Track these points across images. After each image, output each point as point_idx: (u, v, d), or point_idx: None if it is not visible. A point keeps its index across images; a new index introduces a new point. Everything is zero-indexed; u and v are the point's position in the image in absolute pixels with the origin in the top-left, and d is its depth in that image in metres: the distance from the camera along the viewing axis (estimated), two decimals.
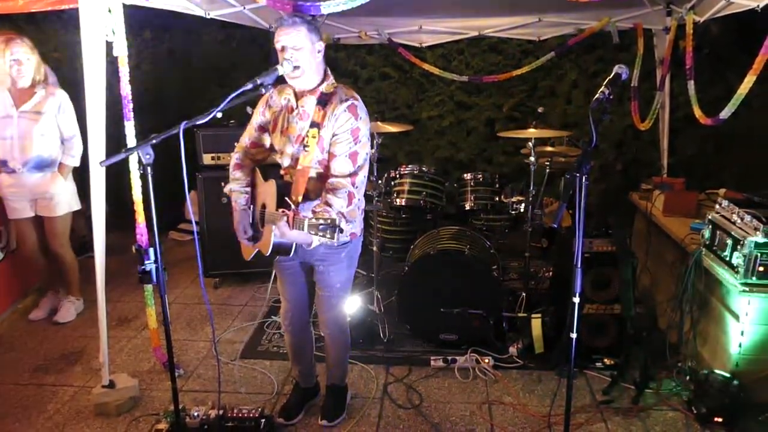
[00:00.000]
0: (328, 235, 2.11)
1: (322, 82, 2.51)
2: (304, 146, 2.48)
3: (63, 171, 3.84)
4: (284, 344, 3.64)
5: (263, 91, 2.33)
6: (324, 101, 2.48)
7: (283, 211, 2.30)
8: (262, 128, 2.67)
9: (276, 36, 2.40)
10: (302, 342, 2.98)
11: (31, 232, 3.88)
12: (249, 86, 2.28)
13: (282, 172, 2.66)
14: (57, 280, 4.18)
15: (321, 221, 2.13)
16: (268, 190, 2.56)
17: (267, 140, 2.70)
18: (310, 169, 2.49)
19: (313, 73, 2.46)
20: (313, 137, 2.46)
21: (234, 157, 2.74)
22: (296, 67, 2.37)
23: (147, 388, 3.27)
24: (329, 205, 2.39)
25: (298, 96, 2.52)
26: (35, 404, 3.14)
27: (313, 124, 2.47)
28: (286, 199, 2.41)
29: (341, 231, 2.14)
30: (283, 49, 2.38)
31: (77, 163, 3.88)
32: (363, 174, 2.50)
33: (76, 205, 3.99)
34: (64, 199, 3.89)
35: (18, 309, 4.30)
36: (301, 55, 2.38)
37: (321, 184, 2.52)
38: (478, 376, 3.37)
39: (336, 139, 2.44)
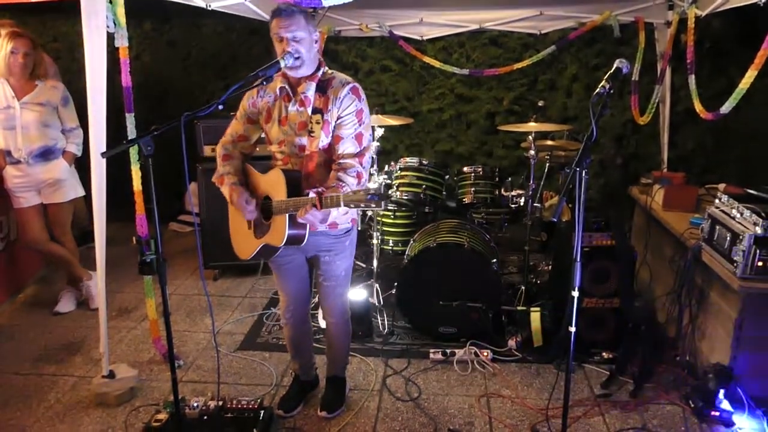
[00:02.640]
0: (375, 202, 2.07)
1: (318, 68, 2.51)
2: (310, 132, 2.48)
3: (68, 158, 3.88)
4: (283, 337, 3.69)
5: (264, 83, 2.33)
6: (323, 87, 2.49)
7: (309, 198, 2.23)
8: (251, 121, 2.65)
9: (273, 26, 2.39)
10: (302, 335, 2.99)
11: (35, 220, 3.89)
12: (250, 78, 2.28)
13: (279, 162, 2.62)
14: (62, 267, 4.18)
15: (362, 193, 2.08)
16: (273, 180, 2.51)
17: (254, 133, 2.69)
18: (317, 155, 2.50)
19: (311, 61, 2.46)
20: (318, 123, 2.46)
21: (221, 149, 2.70)
22: (297, 58, 2.37)
23: (147, 378, 3.29)
24: (342, 182, 2.39)
25: (294, 84, 2.51)
26: (36, 393, 3.15)
27: (316, 111, 2.48)
28: (304, 192, 2.36)
29: (389, 198, 2.10)
30: (282, 40, 2.37)
31: (80, 153, 3.91)
32: (369, 154, 2.54)
33: (81, 191, 4.02)
34: (69, 186, 3.93)
35: (18, 299, 4.31)
36: (301, 46, 2.38)
37: (325, 169, 2.53)
38: (476, 369, 3.39)
39: (341, 122, 2.47)
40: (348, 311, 2.94)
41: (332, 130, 2.48)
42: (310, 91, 2.48)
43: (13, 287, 4.33)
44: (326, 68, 2.55)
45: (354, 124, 2.47)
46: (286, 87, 2.51)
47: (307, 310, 2.94)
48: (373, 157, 3.93)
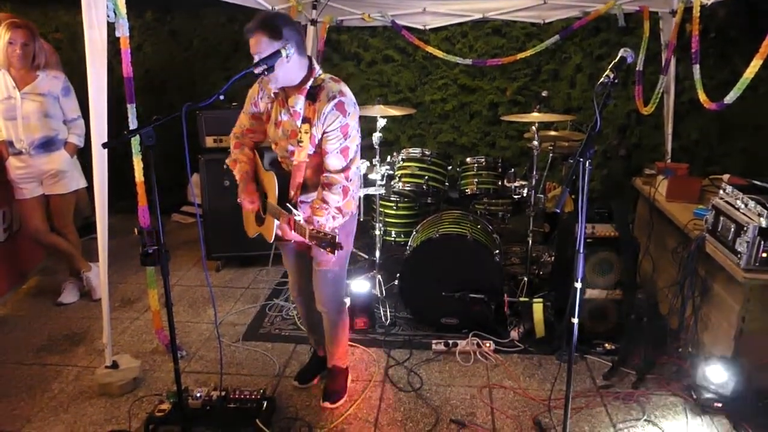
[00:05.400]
0: (329, 250, 2.21)
1: (308, 77, 2.48)
2: (299, 142, 2.50)
3: (69, 149, 3.88)
4: (285, 329, 3.74)
5: (266, 73, 2.32)
6: (313, 96, 2.47)
7: (286, 216, 2.41)
8: (255, 117, 2.71)
9: None
10: (312, 312, 3.01)
11: (36, 211, 3.90)
12: (252, 69, 2.27)
13: (279, 159, 2.71)
14: (63, 259, 4.18)
15: (322, 235, 2.23)
16: (268, 182, 2.63)
17: (260, 126, 2.73)
18: (304, 164, 2.54)
19: (293, 72, 2.42)
20: (306, 133, 2.48)
21: (233, 138, 2.80)
22: (269, 72, 2.31)
23: (150, 368, 3.30)
24: (325, 202, 2.49)
25: (287, 93, 2.52)
26: (39, 384, 3.17)
27: (305, 120, 2.49)
28: (288, 205, 2.50)
29: (341, 248, 2.21)
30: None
31: (82, 144, 3.90)
32: (355, 166, 2.56)
33: (83, 182, 4.02)
34: (71, 177, 3.93)
35: (21, 289, 4.33)
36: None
37: (317, 174, 2.59)
38: (478, 360, 3.39)
39: (327, 137, 2.47)
40: (343, 303, 2.94)
41: (318, 142, 2.50)
42: (298, 105, 2.48)
43: (17, 278, 4.34)
44: (317, 74, 2.50)
45: (339, 139, 2.47)
46: (280, 92, 2.53)
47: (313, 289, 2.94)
48: (375, 148, 3.93)
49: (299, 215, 2.41)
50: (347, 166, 2.51)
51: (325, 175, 2.52)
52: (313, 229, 2.26)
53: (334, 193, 2.49)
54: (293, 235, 2.41)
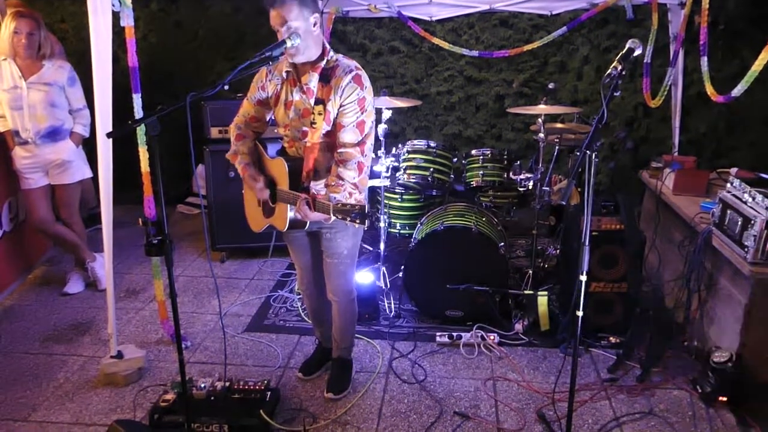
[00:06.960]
0: (359, 221, 2.14)
1: (323, 56, 2.48)
2: (312, 123, 2.48)
3: (75, 139, 3.89)
4: (290, 320, 3.76)
5: (271, 63, 2.31)
6: (327, 76, 2.46)
7: (303, 196, 2.33)
8: (261, 102, 2.67)
9: (270, 17, 2.36)
10: (320, 305, 3.04)
11: (41, 201, 3.91)
12: (256, 59, 2.26)
13: (285, 144, 2.68)
14: (68, 249, 4.19)
15: (348, 207, 2.16)
16: (277, 169, 2.58)
17: (266, 114, 2.71)
18: (317, 146, 2.51)
19: (313, 47, 2.42)
20: (320, 114, 2.46)
21: (235, 129, 2.74)
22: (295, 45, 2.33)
23: (154, 359, 3.31)
24: (341, 179, 2.44)
25: (299, 71, 2.50)
26: (45, 373, 3.19)
27: (318, 101, 2.47)
28: (303, 184, 2.47)
29: (370, 216, 2.17)
30: (278, 31, 2.35)
31: (87, 134, 3.91)
32: (370, 142, 2.55)
33: (89, 173, 4.02)
34: (77, 167, 3.94)
35: (28, 279, 4.34)
36: (297, 35, 2.32)
37: (328, 155, 2.55)
38: (483, 353, 3.39)
39: (343, 110, 2.45)
40: (353, 292, 2.94)
41: (334, 118, 2.48)
42: (312, 82, 2.47)
43: (23, 267, 4.36)
44: (331, 55, 2.50)
45: (356, 113, 2.45)
46: (292, 71, 2.51)
47: (323, 282, 2.94)
48: (380, 140, 3.91)
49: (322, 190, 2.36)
50: (362, 141, 2.49)
51: (339, 151, 2.47)
52: (338, 203, 2.20)
53: (349, 168, 2.45)
54: (315, 216, 2.33)
